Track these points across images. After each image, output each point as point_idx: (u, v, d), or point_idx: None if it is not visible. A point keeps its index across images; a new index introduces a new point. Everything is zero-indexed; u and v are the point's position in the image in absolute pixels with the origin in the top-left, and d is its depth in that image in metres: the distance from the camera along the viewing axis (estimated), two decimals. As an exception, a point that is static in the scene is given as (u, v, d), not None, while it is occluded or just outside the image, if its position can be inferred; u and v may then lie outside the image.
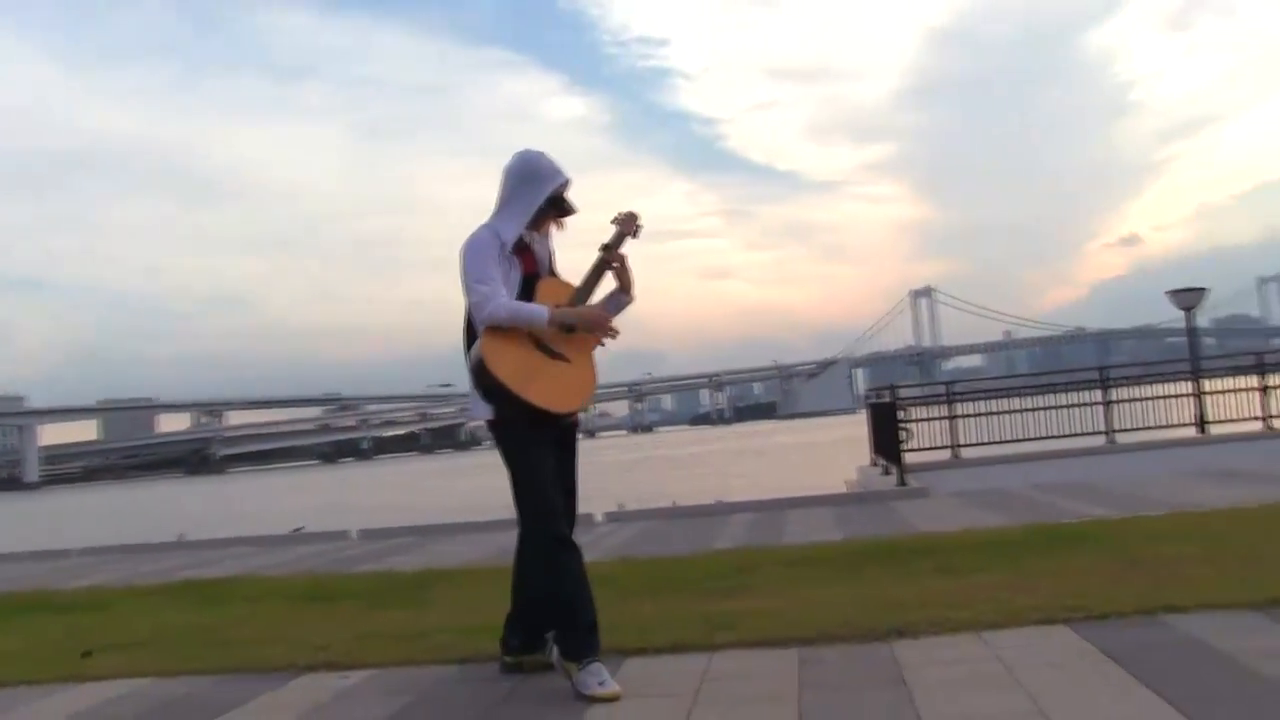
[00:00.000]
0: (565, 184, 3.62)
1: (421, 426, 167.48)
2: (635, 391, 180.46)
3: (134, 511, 39.38)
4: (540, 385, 3.41)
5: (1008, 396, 13.02)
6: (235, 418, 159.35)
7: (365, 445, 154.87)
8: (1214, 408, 12.69)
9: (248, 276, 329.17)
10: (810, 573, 5.53)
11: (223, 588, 6.80)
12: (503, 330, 3.43)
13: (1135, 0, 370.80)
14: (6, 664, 4.57)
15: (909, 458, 11.52)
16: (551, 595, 3.49)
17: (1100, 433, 12.48)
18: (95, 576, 8.60)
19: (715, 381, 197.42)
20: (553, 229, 3.71)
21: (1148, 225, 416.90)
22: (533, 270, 3.57)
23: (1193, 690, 2.97)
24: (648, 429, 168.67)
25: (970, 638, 3.79)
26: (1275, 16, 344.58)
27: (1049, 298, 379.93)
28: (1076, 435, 12.52)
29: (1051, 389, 13.65)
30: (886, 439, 12.35)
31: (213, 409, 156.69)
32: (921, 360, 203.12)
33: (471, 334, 3.55)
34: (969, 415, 12.82)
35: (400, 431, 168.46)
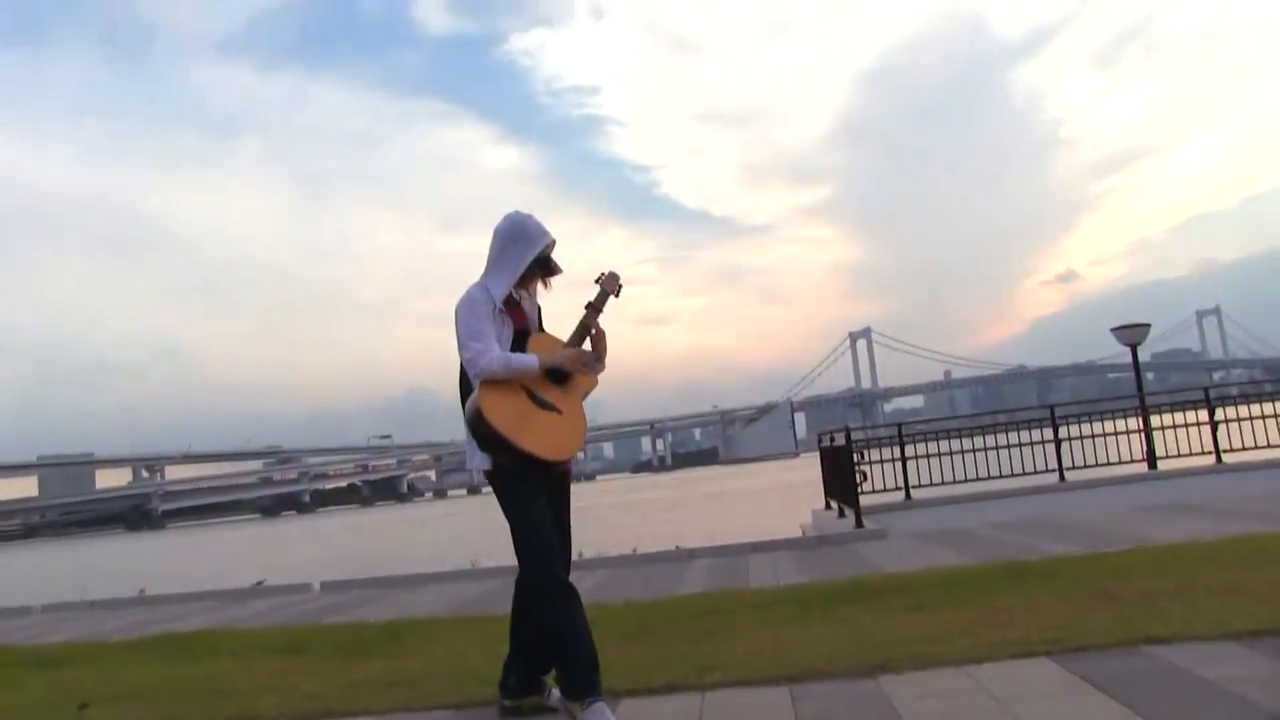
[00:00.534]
0: (551, 244, 3.72)
1: (362, 478, 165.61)
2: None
3: (83, 568, 38.27)
4: (534, 434, 3.51)
5: (958, 437, 13.06)
6: (175, 472, 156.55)
7: (306, 498, 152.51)
8: (1163, 443, 12.89)
9: (186, 328, 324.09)
10: (786, 613, 5.53)
11: (199, 641, 6.71)
12: (497, 382, 3.52)
13: (1061, 38, 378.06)
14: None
15: (864, 500, 11.54)
16: (554, 637, 3.54)
17: (1051, 470, 12.62)
18: (64, 632, 8.49)
19: (656, 429, 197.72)
20: (540, 287, 3.82)
21: (1084, 261, 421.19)
22: (523, 326, 3.71)
23: (1188, 718, 2.99)
24: (590, 478, 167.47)
25: (954, 671, 3.80)
26: (1197, 51, 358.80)
27: (988, 335, 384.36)
28: (1028, 474, 12.63)
29: (1001, 428, 13.77)
30: (841, 482, 12.38)
31: (152, 464, 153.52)
32: (863, 402, 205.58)
33: (466, 387, 3.63)
34: (920, 456, 12.88)
35: (341, 484, 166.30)
